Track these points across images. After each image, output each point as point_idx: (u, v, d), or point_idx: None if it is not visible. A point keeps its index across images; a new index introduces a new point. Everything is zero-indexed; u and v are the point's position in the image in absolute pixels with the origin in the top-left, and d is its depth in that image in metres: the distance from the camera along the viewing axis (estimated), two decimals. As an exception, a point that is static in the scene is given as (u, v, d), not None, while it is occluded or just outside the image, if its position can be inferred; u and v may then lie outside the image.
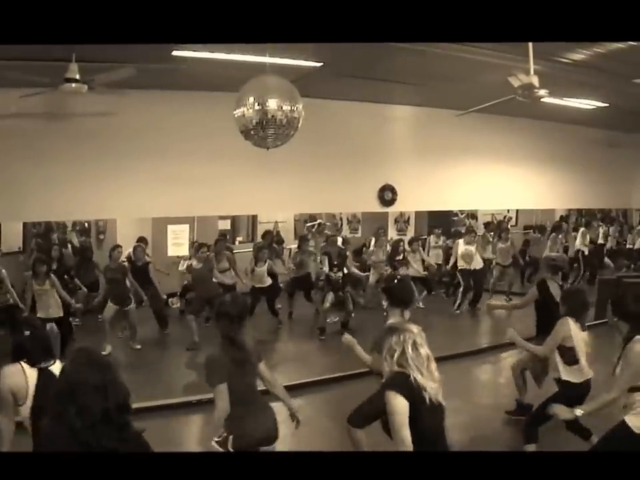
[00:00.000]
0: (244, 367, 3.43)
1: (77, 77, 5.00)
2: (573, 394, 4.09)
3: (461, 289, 10.21)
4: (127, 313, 7.76)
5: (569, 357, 4.22)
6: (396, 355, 2.60)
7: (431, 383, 2.56)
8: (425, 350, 2.63)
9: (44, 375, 3.09)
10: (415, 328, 2.74)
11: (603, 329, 6.58)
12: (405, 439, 2.45)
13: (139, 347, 7.89)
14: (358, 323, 8.69)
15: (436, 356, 2.71)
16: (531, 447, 4.28)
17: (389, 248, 10.48)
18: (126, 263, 8.43)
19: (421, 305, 9.78)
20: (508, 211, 13.88)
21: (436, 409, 2.57)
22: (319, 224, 12.11)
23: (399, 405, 2.49)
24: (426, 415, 2.52)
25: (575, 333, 4.21)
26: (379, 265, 10.25)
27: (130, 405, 2.02)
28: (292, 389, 5.85)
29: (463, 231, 11.24)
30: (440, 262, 11.16)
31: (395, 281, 4.18)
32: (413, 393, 2.52)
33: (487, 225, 13.01)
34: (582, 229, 12.55)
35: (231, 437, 3.31)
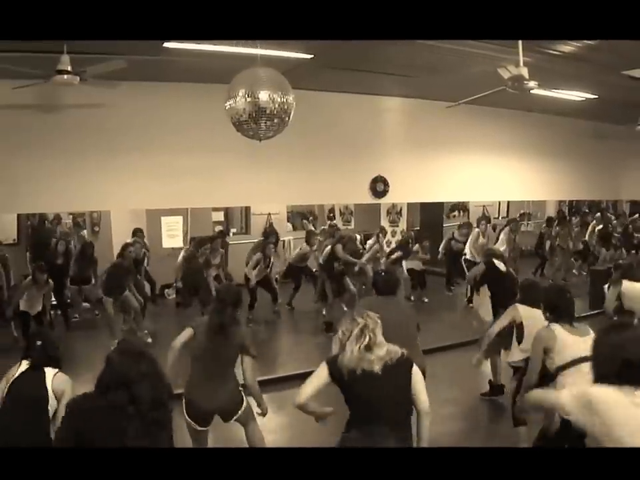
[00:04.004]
0: (218, 347, 3.78)
1: (69, 68, 5.01)
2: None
3: None
4: (124, 300, 7.74)
5: (518, 335, 4.42)
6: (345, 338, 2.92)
7: (355, 361, 2.83)
8: (369, 335, 2.87)
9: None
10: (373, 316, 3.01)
11: (598, 319, 6.49)
12: (302, 393, 2.92)
13: (149, 340, 7.56)
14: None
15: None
16: (522, 430, 4.43)
17: (383, 241, 10.56)
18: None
19: (425, 300, 10.10)
20: (499, 203, 13.93)
21: (362, 380, 2.82)
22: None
23: (320, 370, 2.95)
24: (354, 386, 2.85)
25: (526, 314, 4.39)
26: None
27: (161, 400, 2.12)
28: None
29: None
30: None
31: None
32: (336, 367, 2.88)
33: (521, 215, 13.11)
34: (594, 221, 12.44)
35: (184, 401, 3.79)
